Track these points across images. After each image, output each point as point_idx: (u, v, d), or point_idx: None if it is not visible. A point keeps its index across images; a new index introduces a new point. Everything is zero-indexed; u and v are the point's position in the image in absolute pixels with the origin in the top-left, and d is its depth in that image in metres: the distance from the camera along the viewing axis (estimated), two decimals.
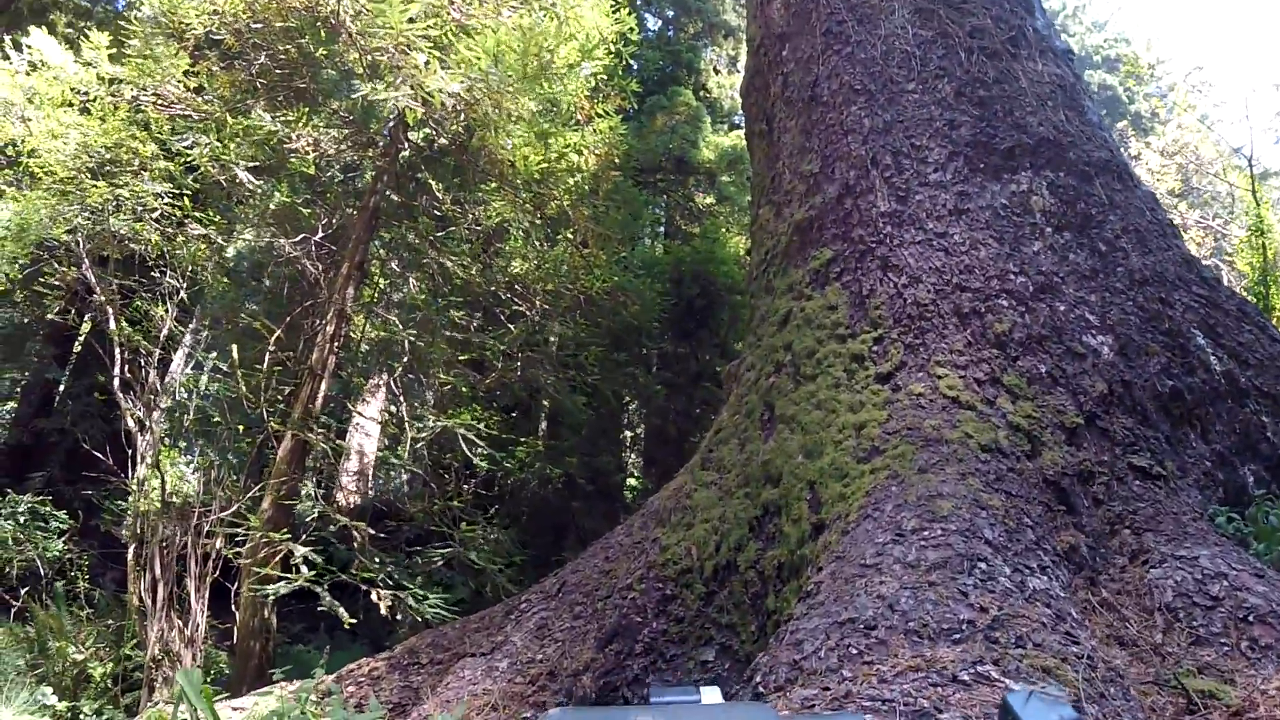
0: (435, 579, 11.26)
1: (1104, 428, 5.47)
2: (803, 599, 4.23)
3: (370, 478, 18.87)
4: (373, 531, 8.76)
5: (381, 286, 12.88)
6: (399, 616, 7.97)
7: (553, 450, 13.54)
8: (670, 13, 22.82)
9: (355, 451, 18.60)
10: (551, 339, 12.34)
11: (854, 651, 3.12)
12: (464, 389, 11.73)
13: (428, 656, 6.24)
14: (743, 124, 20.24)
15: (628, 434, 19.10)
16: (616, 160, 11.89)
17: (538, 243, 11.04)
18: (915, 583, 3.54)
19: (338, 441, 10.58)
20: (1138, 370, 5.98)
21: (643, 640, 5.93)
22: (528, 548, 12.74)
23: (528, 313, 11.06)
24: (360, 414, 13.91)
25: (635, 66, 19.04)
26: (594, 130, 11.58)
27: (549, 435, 15.85)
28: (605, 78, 11.78)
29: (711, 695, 1.28)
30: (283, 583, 7.59)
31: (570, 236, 11.01)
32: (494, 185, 10.36)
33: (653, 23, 23.66)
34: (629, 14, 11.03)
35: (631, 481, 18.34)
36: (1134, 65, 28.52)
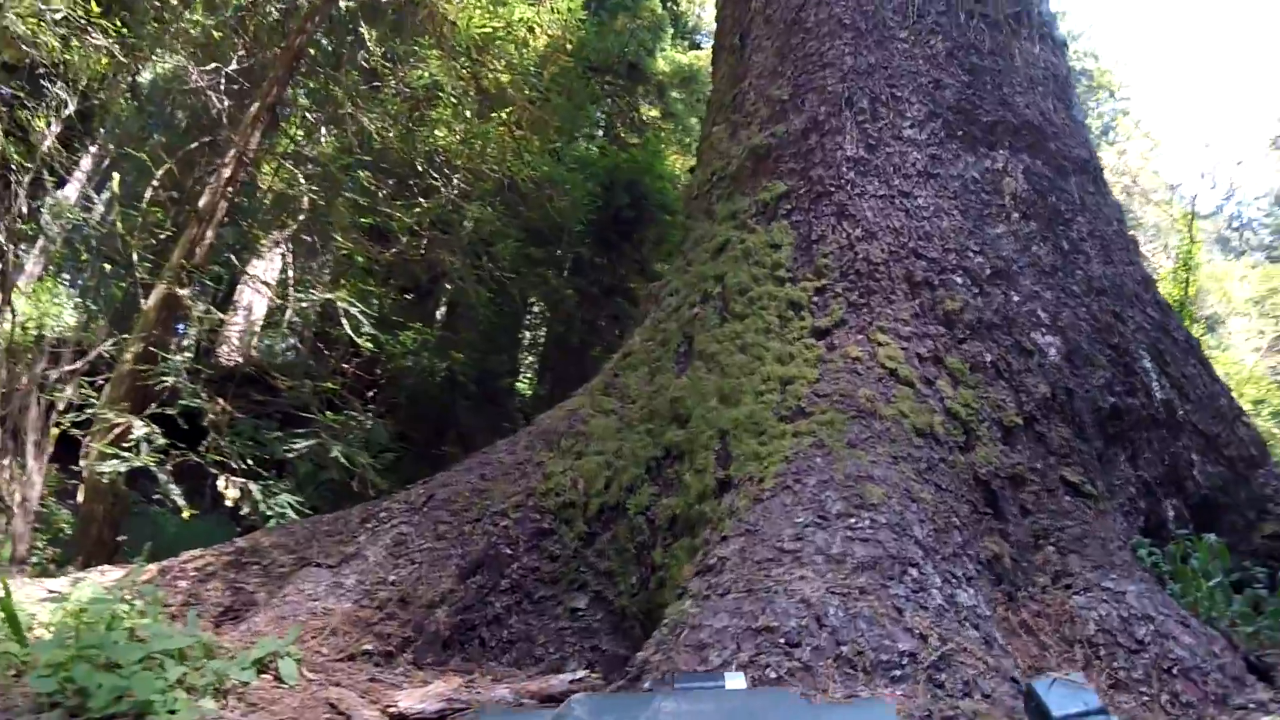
0: (306, 456, 10.36)
1: (1041, 433, 5.07)
2: (703, 573, 3.68)
3: (255, 339, 17.57)
4: (231, 409, 7.81)
5: (295, 137, 11.57)
6: (244, 510, 7.15)
7: (447, 342, 12.51)
8: None
9: (244, 309, 17.28)
10: (465, 223, 11.20)
11: (773, 676, 2.58)
12: (360, 259, 10.61)
13: (270, 557, 5.49)
14: (704, 44, 19.19)
15: (527, 335, 18.02)
16: (569, 46, 10.80)
17: (469, 114, 9.94)
18: (843, 586, 3.02)
19: (208, 312, 9.42)
20: (1081, 380, 5.60)
21: (510, 576, 5.34)
22: (404, 440, 11.91)
23: (443, 189, 10.00)
24: (246, 272, 12.62)
25: None
26: (551, 8, 10.49)
27: (445, 326, 14.75)
28: None
29: (736, 681, 1.24)
30: (119, 461, 6.66)
31: (505, 116, 9.89)
32: (431, 43, 9.18)
33: None
34: None
35: (523, 386, 17.50)
36: (1103, 79, 28.44)
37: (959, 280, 5.83)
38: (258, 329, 17.48)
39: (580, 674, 4.16)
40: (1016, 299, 5.86)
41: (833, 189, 6.37)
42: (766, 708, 1.15)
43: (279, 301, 13.54)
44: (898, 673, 2.59)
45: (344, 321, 9.32)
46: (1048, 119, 7.20)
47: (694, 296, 6.32)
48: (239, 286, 16.18)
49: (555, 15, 10.58)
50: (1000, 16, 7.72)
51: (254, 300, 17.19)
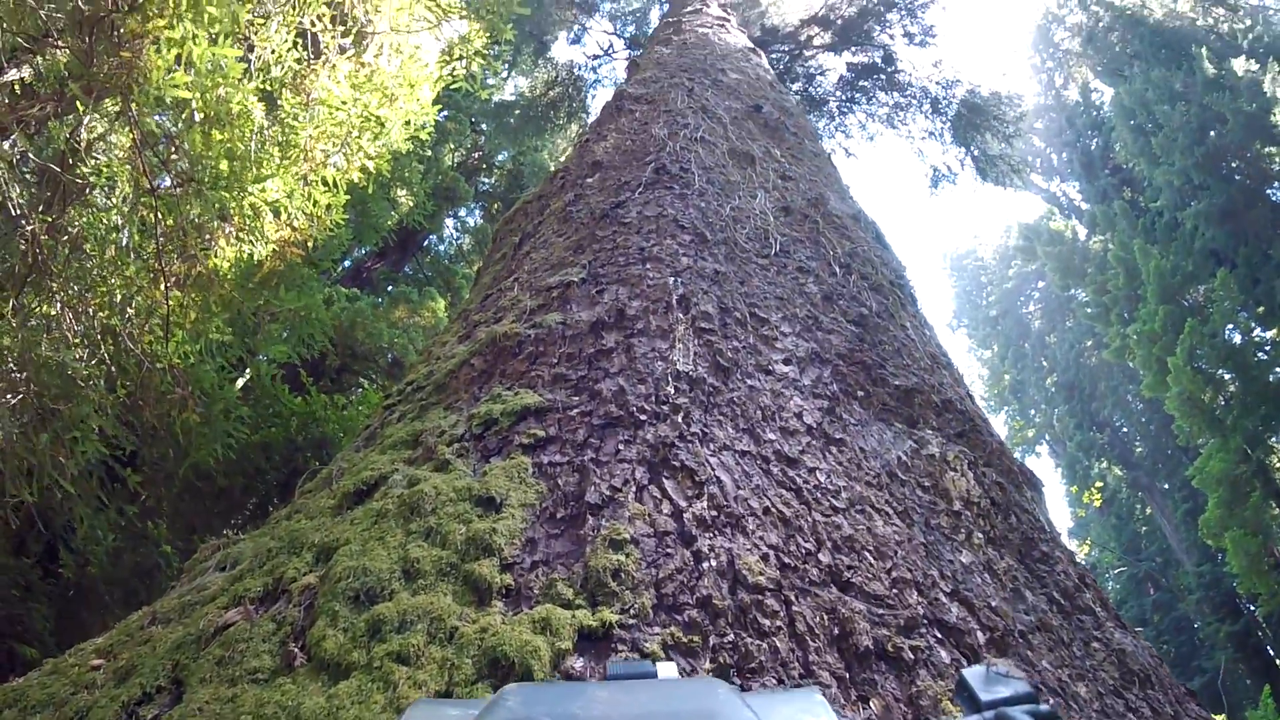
0: None
1: None
2: None
3: None
4: None
5: None
6: None
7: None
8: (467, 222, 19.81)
9: None
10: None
11: None
12: None
13: None
14: None
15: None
16: (311, 243, 6.94)
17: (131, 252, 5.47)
18: None
19: None
20: None
21: None
22: None
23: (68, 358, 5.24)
24: None
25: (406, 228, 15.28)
26: (305, 195, 6.82)
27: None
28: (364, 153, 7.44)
29: (668, 670, 1.05)
30: None
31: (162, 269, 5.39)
32: (117, 110, 5.01)
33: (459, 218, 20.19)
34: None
35: None
36: None
37: (944, 654, 2.05)
38: None
39: None
40: (1050, 703, 2.07)
41: (645, 419, 2.68)
42: (699, 695, 0.92)
43: None
44: None
45: None
46: (971, 407, 4.08)
47: (247, 586, 2.08)
48: None
49: (311, 204, 6.91)
50: (883, 281, 4.90)
51: None
